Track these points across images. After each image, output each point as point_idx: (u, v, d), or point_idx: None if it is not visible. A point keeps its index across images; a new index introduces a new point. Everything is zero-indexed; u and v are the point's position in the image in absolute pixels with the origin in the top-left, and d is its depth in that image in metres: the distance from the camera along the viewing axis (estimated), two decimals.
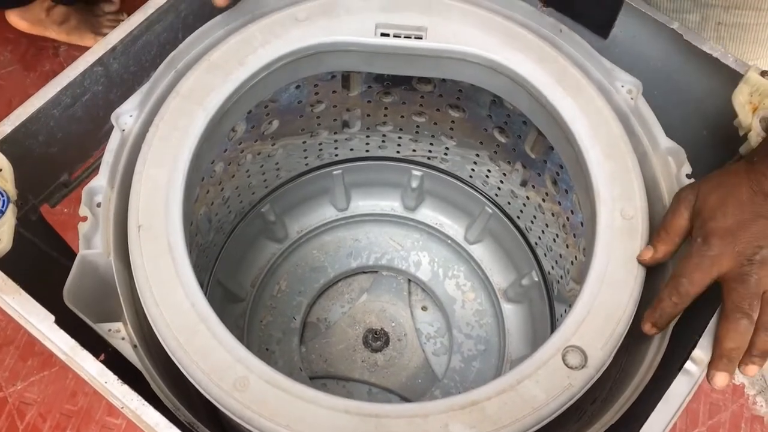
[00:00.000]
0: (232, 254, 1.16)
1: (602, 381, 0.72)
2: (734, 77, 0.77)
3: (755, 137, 0.73)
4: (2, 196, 0.67)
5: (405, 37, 0.82)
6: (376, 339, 1.22)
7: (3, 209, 0.66)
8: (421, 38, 0.82)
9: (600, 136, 0.77)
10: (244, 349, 0.66)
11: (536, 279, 1.14)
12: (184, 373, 0.65)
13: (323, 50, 0.82)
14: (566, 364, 0.67)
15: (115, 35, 0.77)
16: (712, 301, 0.68)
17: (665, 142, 0.79)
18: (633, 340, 0.74)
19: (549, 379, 0.67)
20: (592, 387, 0.68)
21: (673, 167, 0.78)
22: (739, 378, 1.62)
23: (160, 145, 0.75)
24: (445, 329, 1.25)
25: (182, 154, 0.74)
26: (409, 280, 1.28)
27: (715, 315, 0.66)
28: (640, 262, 0.72)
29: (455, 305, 1.25)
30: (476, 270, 1.25)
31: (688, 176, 0.77)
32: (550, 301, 1.12)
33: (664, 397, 0.63)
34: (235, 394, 0.64)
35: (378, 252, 1.29)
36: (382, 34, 0.82)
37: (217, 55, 0.79)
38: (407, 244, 1.29)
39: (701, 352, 0.65)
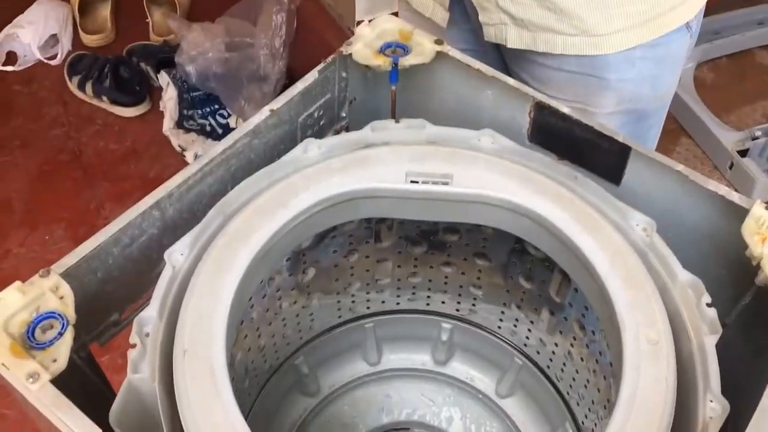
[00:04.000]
0: (264, 408, 1.17)
1: None
2: (741, 212, 0.82)
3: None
4: (62, 319, 0.72)
5: (433, 183, 0.90)
6: None
7: (62, 331, 0.71)
8: (447, 184, 0.90)
9: (618, 267, 0.82)
10: None
11: (570, 431, 1.13)
12: None
13: (358, 196, 0.90)
14: None
15: (173, 182, 0.86)
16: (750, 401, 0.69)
17: (683, 274, 0.83)
18: None
19: None
20: None
21: (693, 298, 0.82)
22: None
23: (207, 278, 0.81)
24: None
25: (226, 286, 0.80)
26: None
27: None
28: None
29: None
30: (509, 425, 1.24)
31: (708, 305, 0.80)
32: None
33: None
34: None
35: (409, 408, 1.28)
36: (412, 181, 0.91)
37: (262, 200, 0.88)
38: (438, 399, 1.29)
39: None
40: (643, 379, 0.74)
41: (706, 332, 0.79)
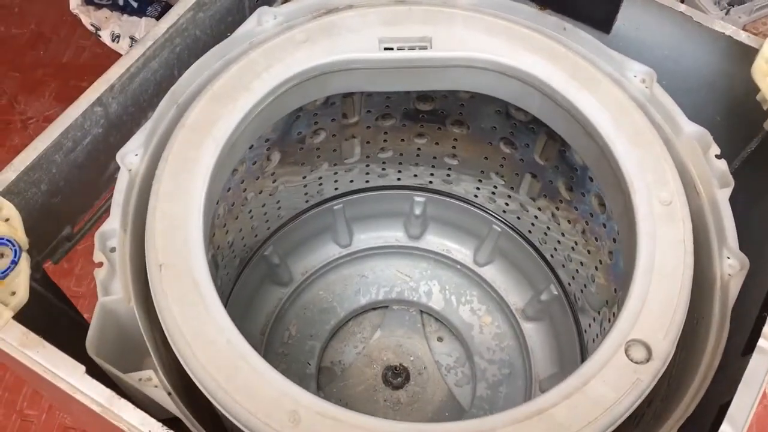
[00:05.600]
0: (238, 302, 1.11)
1: (662, 377, 0.69)
2: (748, 53, 0.76)
3: None
4: (14, 246, 0.62)
5: (409, 49, 0.80)
6: (396, 375, 1.17)
7: (16, 260, 0.61)
8: (426, 48, 0.80)
9: (623, 126, 0.76)
10: (289, 382, 0.62)
11: (555, 293, 1.11)
12: (227, 415, 0.60)
13: (329, 70, 0.80)
14: (630, 359, 0.64)
15: (114, 72, 0.74)
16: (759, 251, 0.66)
17: (688, 126, 0.77)
18: (689, 329, 0.71)
19: (616, 376, 0.63)
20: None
21: (700, 150, 0.77)
22: None
23: (172, 179, 0.71)
24: (465, 358, 1.20)
25: (196, 186, 0.71)
26: (422, 311, 1.24)
27: None
28: None
29: (473, 331, 1.21)
30: (490, 292, 1.22)
31: (717, 157, 0.75)
32: (573, 314, 1.09)
33: (743, 379, 0.60)
34: (286, 430, 0.59)
35: (386, 286, 1.24)
36: (386, 48, 0.80)
37: (220, 84, 0.76)
38: (415, 274, 1.25)
39: None
40: (660, 245, 0.69)
41: (716, 186, 0.75)
